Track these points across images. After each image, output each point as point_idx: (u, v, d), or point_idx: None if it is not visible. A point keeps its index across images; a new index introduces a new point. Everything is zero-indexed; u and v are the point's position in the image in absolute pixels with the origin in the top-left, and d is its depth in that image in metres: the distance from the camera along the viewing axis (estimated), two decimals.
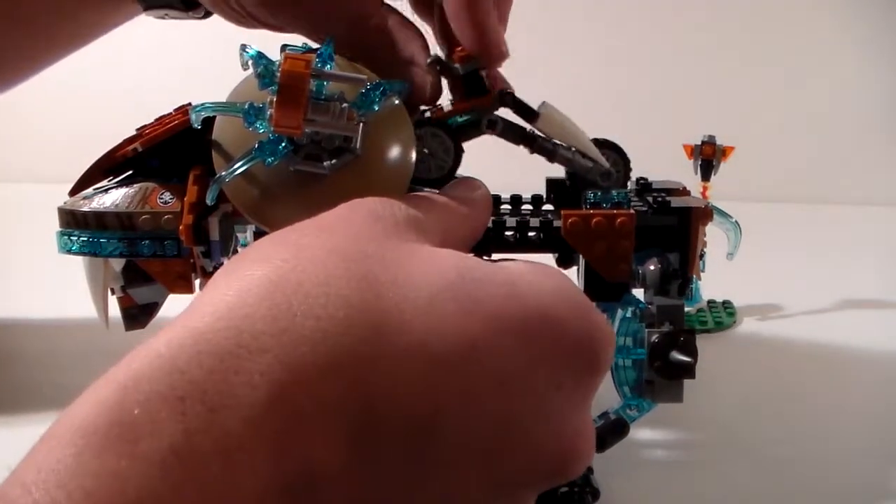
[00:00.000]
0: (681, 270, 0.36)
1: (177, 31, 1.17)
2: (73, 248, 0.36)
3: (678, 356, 0.32)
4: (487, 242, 0.36)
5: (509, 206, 0.40)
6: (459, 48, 0.35)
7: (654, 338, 0.33)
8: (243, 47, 0.32)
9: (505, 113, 0.36)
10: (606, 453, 0.36)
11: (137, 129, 0.37)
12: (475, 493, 0.22)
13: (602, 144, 0.37)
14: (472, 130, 0.35)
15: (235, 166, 0.30)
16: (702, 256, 0.62)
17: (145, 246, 0.36)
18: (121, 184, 0.36)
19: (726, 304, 0.66)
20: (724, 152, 0.63)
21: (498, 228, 0.36)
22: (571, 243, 0.34)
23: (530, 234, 0.36)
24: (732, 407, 0.50)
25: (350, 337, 0.20)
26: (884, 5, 1.04)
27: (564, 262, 0.37)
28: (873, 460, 0.44)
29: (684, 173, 0.63)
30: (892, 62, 1.07)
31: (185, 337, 0.19)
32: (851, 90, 1.10)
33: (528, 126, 0.36)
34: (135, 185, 0.36)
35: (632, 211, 0.34)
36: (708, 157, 0.63)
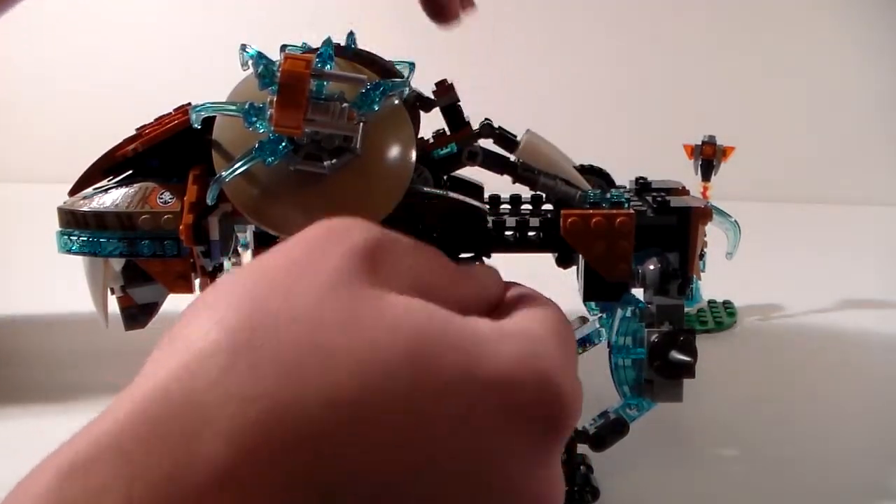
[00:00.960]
0: (680, 270, 0.36)
1: (178, 30, 1.18)
2: (73, 247, 0.36)
3: (678, 356, 0.32)
4: (488, 242, 0.36)
5: (509, 206, 0.40)
6: (443, 82, 0.36)
7: (654, 337, 0.33)
8: (243, 47, 0.32)
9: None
10: (606, 452, 0.36)
11: (137, 129, 0.37)
12: None
13: (588, 171, 0.38)
14: (454, 162, 0.36)
15: (235, 166, 0.31)
16: (702, 256, 0.62)
17: (145, 246, 0.35)
18: (121, 184, 0.36)
19: (727, 304, 0.66)
20: (724, 152, 0.63)
21: (498, 228, 0.36)
22: (571, 243, 0.34)
23: (530, 233, 0.36)
24: (733, 407, 0.50)
25: (303, 419, 0.20)
26: (884, 5, 1.04)
27: (564, 261, 0.37)
28: (874, 460, 0.44)
29: (685, 173, 0.63)
30: (892, 62, 1.06)
31: (134, 415, 0.19)
32: (851, 90, 1.09)
33: (510, 155, 0.37)
34: (135, 185, 0.36)
35: (631, 211, 0.34)
36: (708, 157, 0.63)
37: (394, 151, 0.33)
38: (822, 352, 0.59)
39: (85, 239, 0.36)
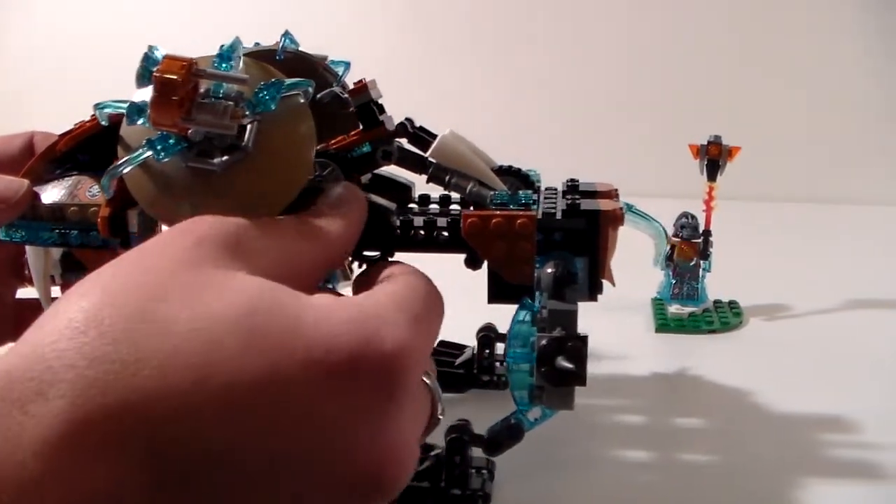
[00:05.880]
0: (590, 274, 0.35)
1: (175, 31, 1.23)
2: (15, 236, 0.38)
3: (563, 363, 0.31)
4: (394, 241, 0.36)
5: (438, 206, 0.40)
6: (359, 82, 0.36)
7: (543, 342, 0.32)
8: (150, 49, 0.33)
9: None
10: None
11: (75, 125, 0.39)
12: None
13: (505, 172, 0.37)
14: (369, 161, 0.36)
15: (124, 160, 0.32)
16: (707, 257, 0.61)
17: (74, 237, 0.37)
18: (58, 177, 0.38)
19: (732, 304, 0.65)
20: (730, 152, 0.61)
21: (405, 227, 0.36)
22: (471, 244, 0.34)
23: (436, 233, 0.36)
24: (737, 406, 0.48)
25: (139, 378, 0.22)
26: (885, 6, 1.00)
27: (473, 262, 0.36)
28: (881, 459, 0.42)
29: (690, 173, 0.61)
30: (894, 63, 1.02)
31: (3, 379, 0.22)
32: (854, 89, 1.06)
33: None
34: (69, 179, 0.38)
35: (532, 212, 0.34)
36: (714, 157, 0.62)
37: (290, 150, 0.33)
38: (829, 352, 0.57)
39: (24, 229, 0.38)
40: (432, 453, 0.35)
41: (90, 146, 0.38)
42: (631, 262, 0.72)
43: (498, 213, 0.34)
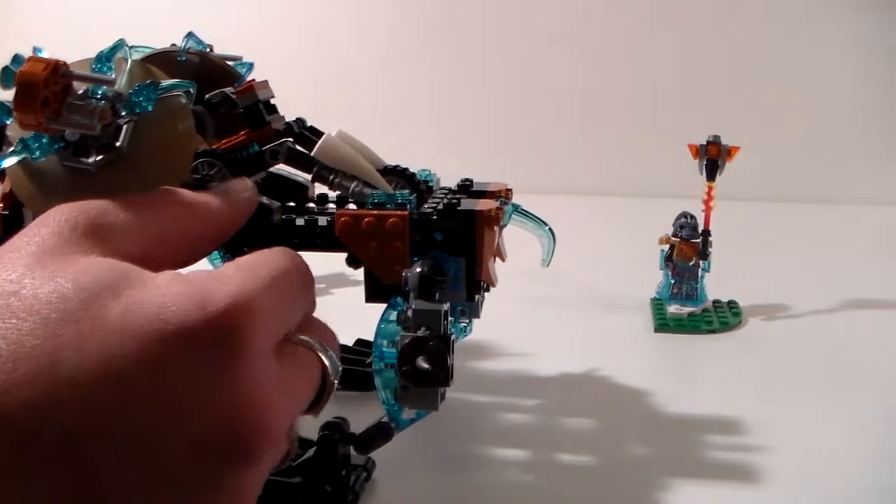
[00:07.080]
0: (467, 274, 0.35)
1: (176, 30, 1.25)
2: None
3: (422, 363, 0.31)
4: (274, 240, 0.36)
5: (334, 206, 0.40)
6: (246, 83, 0.37)
7: (405, 342, 0.32)
8: (34, 49, 0.34)
9: None
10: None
11: None
12: (153, 491, 0.24)
13: (391, 172, 0.37)
14: (259, 161, 0.36)
15: None
16: (707, 256, 0.62)
17: None
18: None
19: (731, 304, 0.65)
20: (729, 152, 0.62)
21: (287, 226, 0.36)
22: (345, 243, 0.34)
23: (317, 232, 0.36)
24: (733, 407, 0.47)
25: None
26: (885, 5, 0.99)
27: (353, 261, 0.36)
28: (880, 461, 0.42)
29: (689, 173, 0.62)
30: (892, 62, 1.00)
31: None
32: (855, 90, 1.05)
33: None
34: None
35: (405, 212, 0.34)
36: (713, 156, 0.62)
37: (167, 149, 0.34)
38: (828, 352, 0.56)
39: None
40: (310, 450, 0.35)
41: None
42: (630, 263, 0.72)
43: (371, 212, 0.34)
